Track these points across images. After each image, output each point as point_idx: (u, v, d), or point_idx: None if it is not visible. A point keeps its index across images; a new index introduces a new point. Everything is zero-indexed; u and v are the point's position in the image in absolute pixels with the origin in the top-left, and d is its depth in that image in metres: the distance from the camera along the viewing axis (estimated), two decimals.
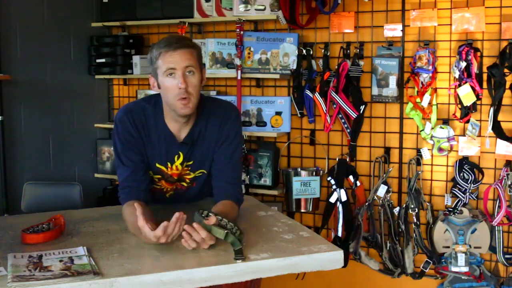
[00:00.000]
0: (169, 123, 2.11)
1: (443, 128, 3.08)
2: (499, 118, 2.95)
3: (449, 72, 3.08)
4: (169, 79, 1.98)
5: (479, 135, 3.04)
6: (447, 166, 3.18)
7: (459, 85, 2.98)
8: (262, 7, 3.40)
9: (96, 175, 4.00)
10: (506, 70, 2.89)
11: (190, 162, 2.16)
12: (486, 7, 2.97)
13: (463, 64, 2.94)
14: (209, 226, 1.72)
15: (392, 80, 3.16)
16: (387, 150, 3.31)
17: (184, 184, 2.24)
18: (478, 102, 3.02)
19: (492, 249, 3.04)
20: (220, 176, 2.15)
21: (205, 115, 2.13)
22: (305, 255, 1.74)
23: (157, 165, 2.15)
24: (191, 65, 1.98)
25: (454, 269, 3.07)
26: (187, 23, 3.58)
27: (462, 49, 2.94)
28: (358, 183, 3.29)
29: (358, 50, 3.29)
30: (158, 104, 2.12)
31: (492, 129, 2.95)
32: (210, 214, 1.83)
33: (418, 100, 3.10)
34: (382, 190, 3.20)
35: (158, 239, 1.74)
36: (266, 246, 1.81)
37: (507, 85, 2.91)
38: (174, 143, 2.12)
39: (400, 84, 3.19)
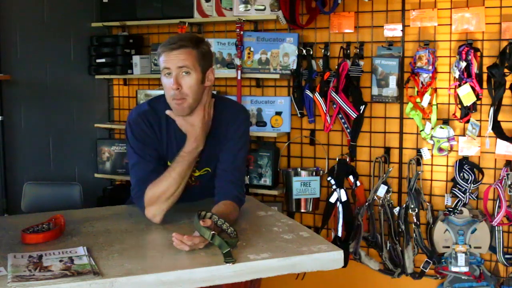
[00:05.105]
0: None
1: (443, 128, 3.08)
2: (499, 118, 2.95)
3: (449, 72, 3.08)
4: (166, 78, 2.00)
5: (479, 135, 3.04)
6: (447, 166, 3.18)
7: (459, 85, 2.98)
8: (262, 7, 3.40)
9: (96, 175, 3.99)
10: (506, 70, 2.89)
11: (197, 159, 2.16)
12: (486, 7, 2.97)
13: (463, 64, 2.94)
14: (198, 226, 1.72)
15: (392, 80, 3.16)
16: (387, 150, 3.30)
17: (189, 180, 2.23)
18: (478, 102, 3.01)
19: (492, 249, 3.04)
20: (223, 175, 2.15)
21: (215, 114, 2.14)
22: (305, 255, 1.74)
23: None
24: (185, 66, 1.97)
25: (454, 269, 3.07)
26: (187, 23, 3.58)
27: (462, 49, 2.94)
28: (358, 183, 3.29)
29: (358, 50, 3.29)
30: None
31: (492, 129, 2.95)
32: (213, 216, 1.82)
33: (418, 100, 3.10)
34: (382, 190, 3.20)
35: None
36: (266, 246, 1.81)
37: (507, 85, 2.91)
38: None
39: (400, 84, 3.19)
